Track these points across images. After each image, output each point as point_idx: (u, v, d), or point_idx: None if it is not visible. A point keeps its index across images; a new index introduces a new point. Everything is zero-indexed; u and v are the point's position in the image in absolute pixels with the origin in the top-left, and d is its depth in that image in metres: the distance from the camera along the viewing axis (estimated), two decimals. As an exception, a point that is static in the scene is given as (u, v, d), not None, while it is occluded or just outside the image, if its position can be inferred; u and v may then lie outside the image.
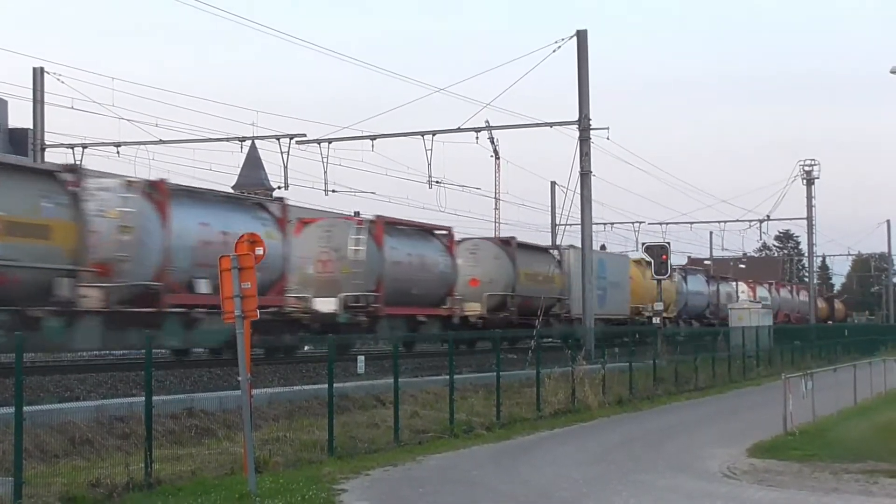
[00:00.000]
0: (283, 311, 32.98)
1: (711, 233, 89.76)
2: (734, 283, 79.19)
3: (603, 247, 67.65)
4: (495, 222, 77.04)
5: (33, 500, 13.91)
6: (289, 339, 33.96)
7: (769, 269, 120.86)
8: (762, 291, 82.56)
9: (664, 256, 48.32)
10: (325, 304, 35.18)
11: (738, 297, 75.91)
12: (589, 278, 42.51)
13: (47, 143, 45.35)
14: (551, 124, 43.04)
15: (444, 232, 42.83)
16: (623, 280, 55.80)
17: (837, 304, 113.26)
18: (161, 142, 44.67)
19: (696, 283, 69.02)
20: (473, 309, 43.52)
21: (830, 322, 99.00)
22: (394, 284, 37.65)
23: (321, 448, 19.17)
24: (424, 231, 42.22)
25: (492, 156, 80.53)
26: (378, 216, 38.78)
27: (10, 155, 43.16)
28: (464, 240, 45.75)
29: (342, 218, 39.98)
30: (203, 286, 29.17)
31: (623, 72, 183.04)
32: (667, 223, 74.60)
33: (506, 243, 46.84)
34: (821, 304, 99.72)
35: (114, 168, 48.69)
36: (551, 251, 51.92)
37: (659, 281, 50.08)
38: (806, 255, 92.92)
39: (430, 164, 43.64)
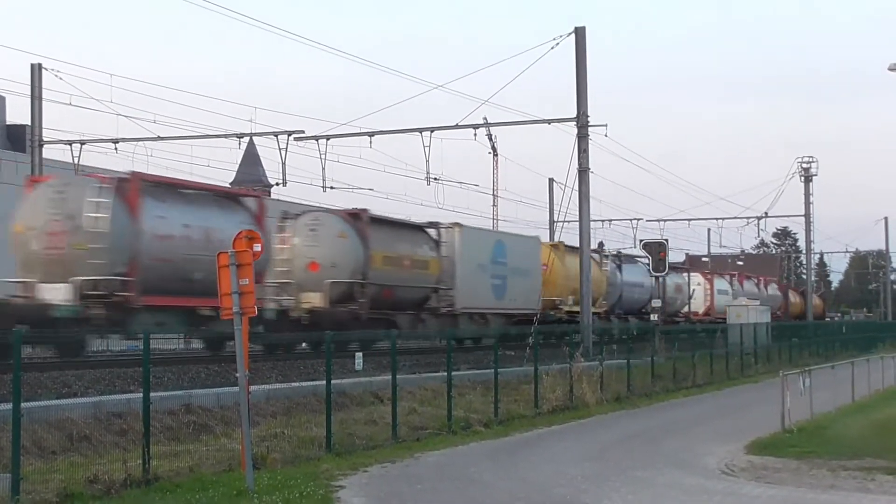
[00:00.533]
0: None
1: (709, 230, 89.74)
2: (686, 275, 69.63)
3: (601, 244, 67.32)
4: (493, 219, 76.98)
5: (31, 496, 13.91)
6: None
7: (767, 266, 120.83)
8: (721, 284, 74.34)
9: (662, 253, 48.04)
10: (53, 292, 27.19)
11: (690, 289, 68.17)
12: (587, 275, 42.47)
13: (45, 139, 45.36)
14: (549, 121, 43.04)
15: (252, 198, 34.28)
16: (532, 268, 47.13)
17: (815, 300, 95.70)
18: (159, 138, 44.61)
19: (635, 273, 59.66)
20: (311, 300, 35.04)
21: (830, 319, 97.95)
22: (159, 266, 28.92)
23: (319, 445, 19.18)
24: (220, 197, 33.35)
25: (490, 152, 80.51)
26: (134, 172, 30.61)
27: None
28: (303, 213, 37.79)
29: (83, 175, 32.13)
30: None
31: (622, 69, 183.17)
32: (665, 220, 74.46)
33: (355, 217, 37.56)
34: (794, 298, 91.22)
35: (112, 164, 48.69)
36: (427, 230, 41.95)
37: (657, 278, 49.79)
38: (804, 252, 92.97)
39: (428, 161, 43.44)
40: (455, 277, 41.25)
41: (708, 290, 71.20)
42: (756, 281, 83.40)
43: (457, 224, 42.59)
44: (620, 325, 50.03)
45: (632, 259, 61.51)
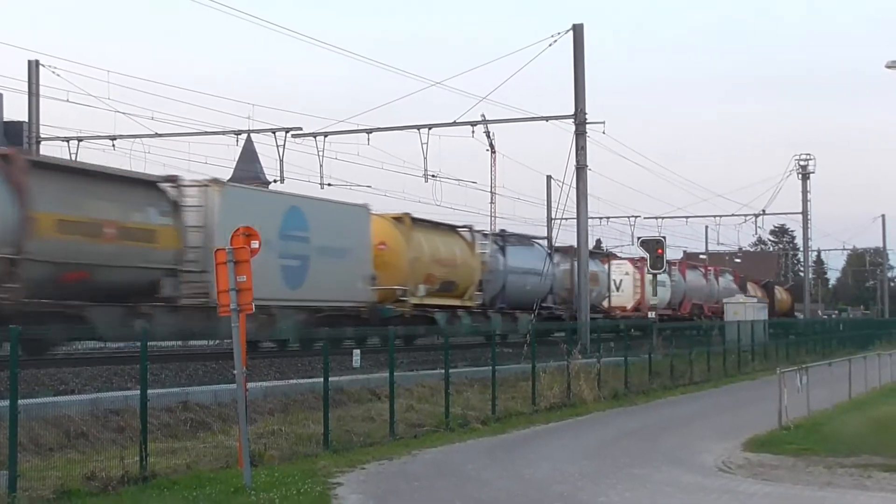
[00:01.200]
0: None
1: (707, 227, 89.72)
2: (606, 263, 58.50)
3: (599, 241, 66.95)
4: (491, 216, 76.90)
5: (28, 493, 13.91)
6: None
7: (765, 263, 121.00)
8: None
9: (659, 250, 47.82)
10: None
11: (615, 280, 58.19)
12: (584, 272, 42.48)
13: (43, 136, 45.37)
14: (547, 118, 43.05)
15: None
16: (355, 246, 35.73)
17: (780, 294, 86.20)
18: (157, 135, 44.66)
19: (526, 258, 47.99)
20: None
21: (827, 317, 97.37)
22: None
23: (316, 442, 19.18)
24: None
25: (487, 150, 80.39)
26: None
27: None
28: None
29: None
30: None
31: (620, 66, 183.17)
32: (663, 217, 74.26)
33: (4, 160, 25.17)
34: (755, 292, 79.07)
35: (110, 161, 48.63)
36: (161, 186, 29.45)
37: (654, 276, 49.56)
38: (801, 249, 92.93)
39: (425, 158, 43.39)
40: (209, 256, 26.12)
41: (638, 281, 59.99)
42: (703, 271, 73.53)
43: (215, 181, 30.67)
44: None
45: (524, 240, 50.60)
